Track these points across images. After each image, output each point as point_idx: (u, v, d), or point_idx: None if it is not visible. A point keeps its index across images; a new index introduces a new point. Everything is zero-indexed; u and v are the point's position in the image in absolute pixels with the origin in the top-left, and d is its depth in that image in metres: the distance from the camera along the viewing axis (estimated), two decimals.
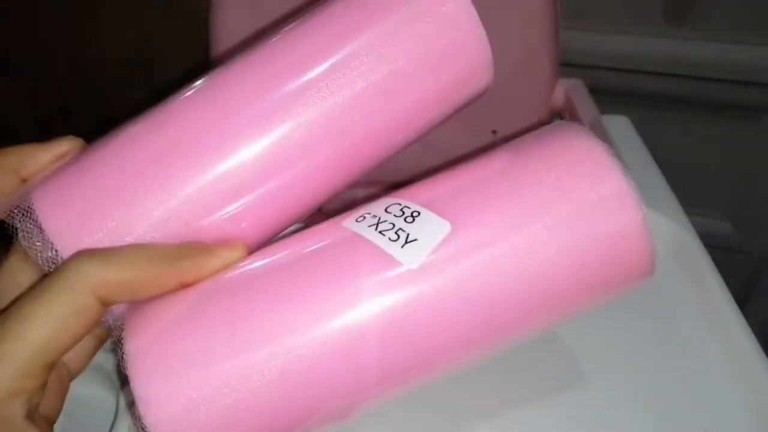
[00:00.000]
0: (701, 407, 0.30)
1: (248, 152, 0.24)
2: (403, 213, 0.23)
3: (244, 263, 0.24)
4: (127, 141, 0.24)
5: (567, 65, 0.69)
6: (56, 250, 0.22)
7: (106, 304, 0.21)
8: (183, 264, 0.22)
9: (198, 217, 0.23)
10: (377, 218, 0.24)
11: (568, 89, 0.66)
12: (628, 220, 0.23)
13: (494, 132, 0.70)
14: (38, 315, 0.19)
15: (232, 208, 0.24)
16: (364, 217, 0.24)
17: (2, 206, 0.23)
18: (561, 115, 0.67)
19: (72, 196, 0.23)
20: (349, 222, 0.24)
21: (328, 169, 0.26)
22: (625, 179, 0.23)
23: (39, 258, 0.22)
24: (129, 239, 0.22)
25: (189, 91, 0.25)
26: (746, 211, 0.74)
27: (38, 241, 0.22)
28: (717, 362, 0.32)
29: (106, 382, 0.33)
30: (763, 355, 0.32)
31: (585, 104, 0.63)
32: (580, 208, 0.23)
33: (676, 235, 0.39)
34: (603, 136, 0.52)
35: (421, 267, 0.22)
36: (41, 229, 0.22)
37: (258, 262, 0.24)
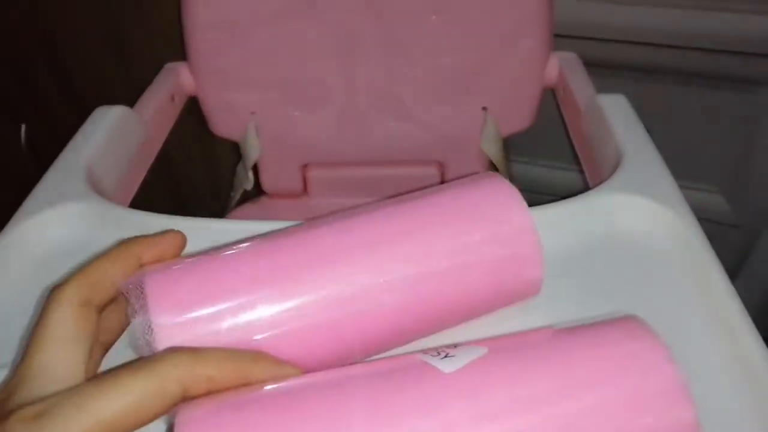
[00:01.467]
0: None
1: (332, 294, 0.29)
2: (456, 347, 0.27)
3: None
4: (236, 257, 0.29)
5: (561, 36, 0.68)
6: (151, 328, 0.26)
7: (186, 393, 0.24)
8: (256, 368, 0.26)
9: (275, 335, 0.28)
10: (444, 353, 0.26)
11: (563, 63, 0.65)
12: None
13: (484, 109, 0.69)
14: (129, 388, 0.23)
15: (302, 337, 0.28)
16: (426, 352, 0.27)
17: (123, 283, 0.28)
18: (554, 91, 0.66)
19: (178, 288, 0.27)
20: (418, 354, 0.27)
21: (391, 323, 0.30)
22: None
23: (135, 334, 0.26)
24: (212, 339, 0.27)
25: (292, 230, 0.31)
26: (739, 184, 0.77)
27: (140, 317, 0.26)
28: (710, 339, 0.34)
29: None
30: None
31: (580, 80, 0.62)
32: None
33: (675, 225, 0.40)
34: (599, 115, 0.52)
35: (452, 373, 0.25)
36: (146, 307, 0.26)
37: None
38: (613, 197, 0.43)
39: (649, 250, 0.40)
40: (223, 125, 0.71)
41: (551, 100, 0.68)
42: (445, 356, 0.26)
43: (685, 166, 0.50)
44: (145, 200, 0.51)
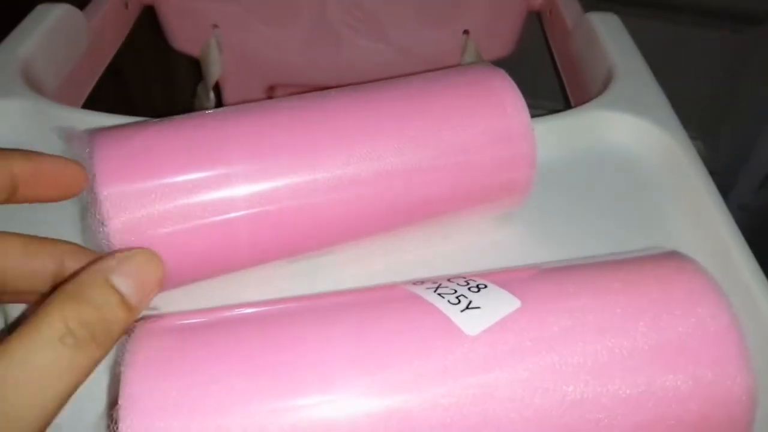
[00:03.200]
0: None
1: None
2: (468, 283, 0.21)
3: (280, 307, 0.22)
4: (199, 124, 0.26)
5: None
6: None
7: None
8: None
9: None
10: (437, 284, 0.21)
11: None
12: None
13: (466, 32, 0.65)
14: None
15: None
16: (423, 282, 0.22)
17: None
18: (539, 15, 0.62)
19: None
20: (404, 285, 0.22)
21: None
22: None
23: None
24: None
25: None
26: (719, 130, 0.75)
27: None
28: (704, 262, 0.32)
29: None
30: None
31: (568, 1, 0.58)
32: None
33: (669, 145, 0.38)
34: (590, 33, 0.49)
35: (478, 337, 0.20)
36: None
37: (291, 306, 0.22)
38: (603, 113, 0.40)
39: (641, 169, 0.38)
40: (182, 38, 0.65)
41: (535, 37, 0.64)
42: (467, 306, 0.20)
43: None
44: None
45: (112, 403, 0.19)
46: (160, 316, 0.22)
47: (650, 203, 0.36)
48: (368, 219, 0.27)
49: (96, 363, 0.19)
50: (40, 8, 0.48)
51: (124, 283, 0.20)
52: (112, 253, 0.21)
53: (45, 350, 0.17)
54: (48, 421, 0.17)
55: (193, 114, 0.27)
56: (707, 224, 0.33)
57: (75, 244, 0.24)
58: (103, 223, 0.23)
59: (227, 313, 0.22)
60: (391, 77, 0.31)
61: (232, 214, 0.25)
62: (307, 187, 0.25)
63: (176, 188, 0.24)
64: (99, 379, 0.25)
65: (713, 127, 0.79)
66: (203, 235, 0.25)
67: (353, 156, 0.26)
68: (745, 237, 0.32)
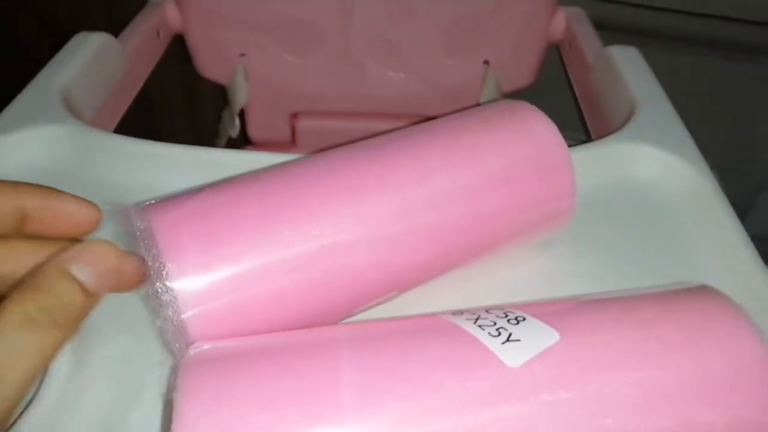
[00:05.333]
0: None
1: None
2: (506, 315, 0.22)
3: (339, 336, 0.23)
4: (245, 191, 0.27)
5: None
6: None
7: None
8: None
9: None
10: (475, 315, 0.22)
11: (569, 17, 0.62)
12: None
13: (486, 62, 0.66)
14: None
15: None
16: (462, 313, 0.22)
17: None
18: (559, 47, 0.64)
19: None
20: (444, 315, 0.23)
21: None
22: None
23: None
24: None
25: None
26: (735, 162, 0.75)
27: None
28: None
29: None
30: None
31: (588, 34, 0.59)
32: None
33: (691, 177, 0.38)
34: (611, 66, 0.50)
35: (519, 369, 0.20)
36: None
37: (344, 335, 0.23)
38: (626, 146, 0.41)
39: (665, 201, 0.38)
40: (209, 66, 0.67)
41: (552, 68, 0.65)
42: (508, 338, 0.21)
43: None
44: None
45: (165, 428, 0.20)
46: (211, 345, 0.23)
47: (675, 235, 0.36)
48: (424, 264, 0.28)
49: (60, 343, 0.20)
50: (79, 37, 0.50)
51: (81, 271, 0.22)
52: (70, 246, 0.23)
53: (10, 335, 0.19)
54: (18, 397, 0.19)
55: (241, 177, 0.29)
56: (732, 257, 0.34)
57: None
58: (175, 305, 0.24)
59: (276, 339, 0.23)
60: (416, 113, 0.32)
61: (297, 275, 0.26)
62: (363, 238, 0.26)
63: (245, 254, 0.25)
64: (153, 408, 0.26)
65: (729, 159, 0.80)
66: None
67: (409, 207, 0.27)
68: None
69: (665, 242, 0.36)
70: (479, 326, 0.21)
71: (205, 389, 0.20)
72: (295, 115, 0.71)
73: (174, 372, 0.21)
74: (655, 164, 0.40)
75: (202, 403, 0.19)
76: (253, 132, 0.72)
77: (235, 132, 0.71)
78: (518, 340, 0.21)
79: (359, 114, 0.71)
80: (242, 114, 0.71)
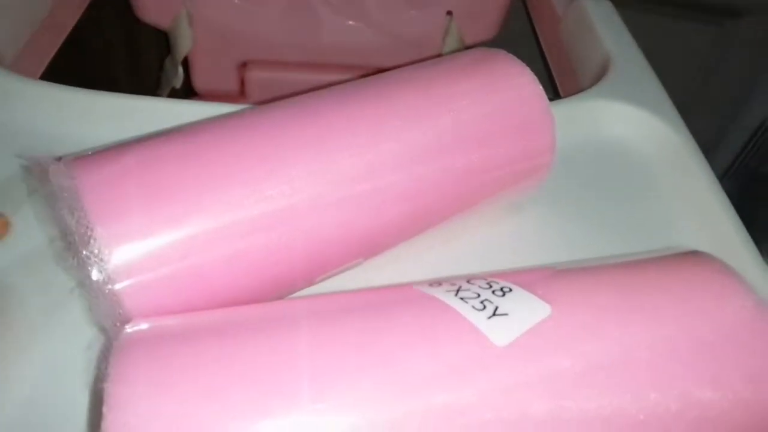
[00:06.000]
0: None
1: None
2: (491, 286, 0.19)
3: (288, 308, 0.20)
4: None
5: None
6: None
7: None
8: None
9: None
10: (456, 286, 0.19)
11: None
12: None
13: (449, 13, 0.63)
14: None
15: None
16: (440, 284, 0.20)
17: None
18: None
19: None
20: (419, 286, 0.20)
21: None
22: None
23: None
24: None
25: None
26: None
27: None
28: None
29: None
30: None
31: None
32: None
33: (668, 135, 0.37)
34: (583, 19, 0.47)
35: (508, 348, 0.18)
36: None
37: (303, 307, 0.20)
38: (600, 103, 0.39)
39: (640, 161, 0.37)
40: (150, 8, 0.61)
41: (517, 20, 0.62)
42: (494, 312, 0.19)
43: None
44: None
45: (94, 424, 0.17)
46: (150, 323, 0.19)
47: (651, 195, 0.35)
48: (394, 226, 0.25)
49: None
50: None
51: None
52: None
53: None
54: None
55: (184, 128, 0.25)
56: (709, 215, 0.33)
57: None
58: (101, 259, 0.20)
59: (226, 316, 0.20)
60: (375, 65, 0.29)
61: (249, 236, 0.22)
62: (327, 197, 0.23)
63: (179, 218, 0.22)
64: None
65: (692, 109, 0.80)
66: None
67: (373, 161, 0.24)
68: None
69: (641, 203, 0.34)
70: (461, 299, 0.19)
71: (141, 377, 0.17)
72: (244, 65, 0.66)
73: (104, 357, 0.17)
74: (630, 123, 0.38)
75: (138, 394, 0.16)
76: (199, 82, 0.67)
77: (178, 82, 0.65)
78: (506, 314, 0.19)
79: (314, 65, 0.67)
80: (186, 63, 0.65)
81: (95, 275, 0.20)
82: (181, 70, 0.65)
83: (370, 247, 0.26)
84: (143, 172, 0.22)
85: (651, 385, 0.18)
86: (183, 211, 0.22)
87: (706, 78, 0.79)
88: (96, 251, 0.21)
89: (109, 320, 0.21)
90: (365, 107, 0.26)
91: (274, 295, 0.24)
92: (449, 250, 0.30)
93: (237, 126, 0.25)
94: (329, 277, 0.26)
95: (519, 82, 0.28)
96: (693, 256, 0.22)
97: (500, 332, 0.18)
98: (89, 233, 0.21)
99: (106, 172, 0.22)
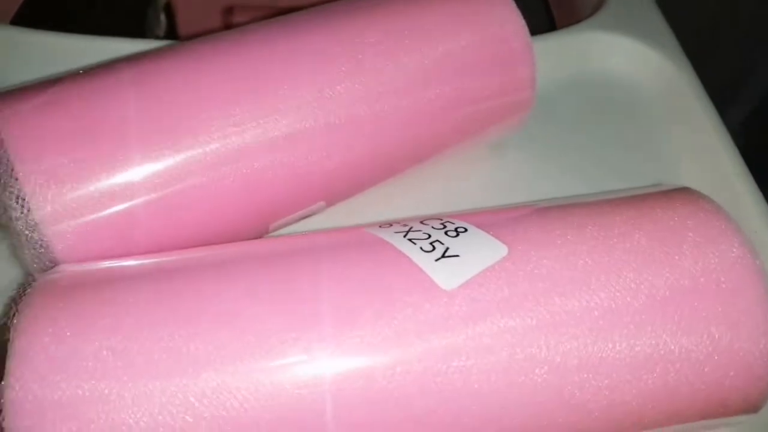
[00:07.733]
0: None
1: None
2: (445, 227, 0.17)
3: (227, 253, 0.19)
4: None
5: None
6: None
7: None
8: None
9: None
10: (407, 227, 0.17)
11: None
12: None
13: None
14: None
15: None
16: (391, 225, 0.18)
17: None
18: None
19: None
20: (370, 228, 0.18)
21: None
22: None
23: None
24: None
25: None
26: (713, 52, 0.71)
27: None
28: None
29: None
30: None
31: None
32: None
33: (667, 69, 0.34)
34: None
35: (456, 292, 0.16)
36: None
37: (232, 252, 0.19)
38: (597, 35, 0.36)
39: (638, 95, 0.34)
40: None
41: None
42: (443, 254, 0.17)
43: None
44: None
45: None
46: (75, 268, 0.18)
47: (649, 135, 0.32)
48: (363, 166, 0.23)
49: None
50: None
51: None
52: None
53: None
54: None
55: (128, 60, 0.23)
56: (711, 157, 0.30)
57: None
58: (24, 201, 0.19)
59: (162, 261, 0.18)
60: None
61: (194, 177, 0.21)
62: (285, 132, 0.21)
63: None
64: None
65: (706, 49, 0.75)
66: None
67: (339, 97, 0.22)
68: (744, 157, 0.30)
69: (637, 143, 0.32)
70: (410, 240, 0.17)
71: (49, 325, 0.15)
72: (229, 9, 0.64)
73: (13, 303, 0.16)
74: (629, 56, 0.35)
75: (41, 346, 0.15)
76: (183, 30, 0.65)
77: (161, 30, 0.63)
78: (456, 256, 0.17)
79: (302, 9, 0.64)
80: (169, 8, 0.63)
81: (17, 217, 0.19)
82: (163, 17, 0.62)
83: (330, 192, 0.24)
84: (74, 105, 0.21)
85: (618, 334, 0.16)
86: (117, 146, 0.20)
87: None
88: (18, 191, 0.19)
89: (34, 266, 0.19)
90: (329, 35, 0.24)
91: (221, 241, 0.22)
92: (423, 192, 0.28)
93: (182, 55, 0.23)
94: (285, 225, 0.24)
95: (497, 11, 0.25)
96: (680, 193, 0.20)
97: (448, 275, 0.16)
98: (10, 173, 0.19)
99: (30, 105, 0.20)
